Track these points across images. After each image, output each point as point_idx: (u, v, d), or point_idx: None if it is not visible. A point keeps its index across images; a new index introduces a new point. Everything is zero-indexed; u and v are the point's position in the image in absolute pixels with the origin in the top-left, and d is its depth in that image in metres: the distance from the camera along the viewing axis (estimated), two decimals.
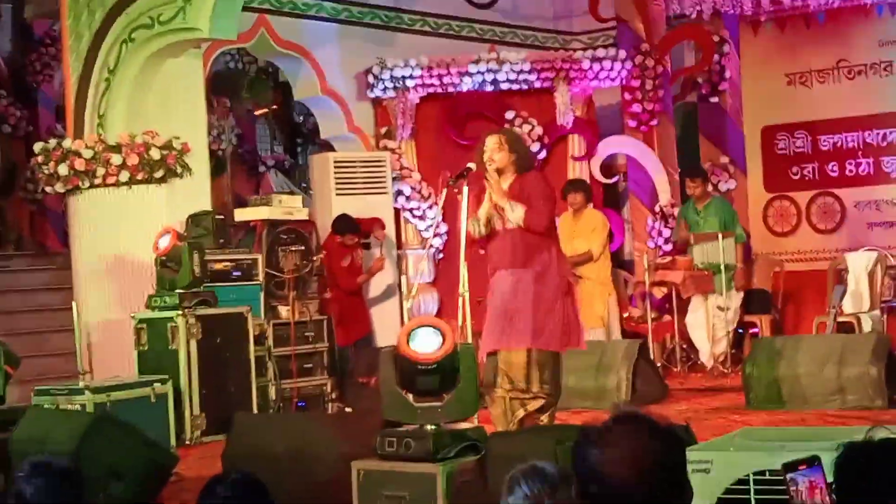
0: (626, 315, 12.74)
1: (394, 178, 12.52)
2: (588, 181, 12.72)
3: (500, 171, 7.60)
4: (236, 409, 8.66)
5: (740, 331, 12.80)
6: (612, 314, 12.04)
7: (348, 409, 10.66)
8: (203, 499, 3.30)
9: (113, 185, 10.23)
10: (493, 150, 7.60)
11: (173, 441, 9.11)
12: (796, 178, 13.91)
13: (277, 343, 10.58)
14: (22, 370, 9.36)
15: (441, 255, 12.72)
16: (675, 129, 14.10)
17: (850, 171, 13.54)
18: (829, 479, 3.08)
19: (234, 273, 10.51)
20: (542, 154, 12.99)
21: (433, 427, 5.89)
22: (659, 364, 11.77)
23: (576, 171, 13.20)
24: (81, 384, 8.99)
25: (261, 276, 10.66)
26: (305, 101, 13.37)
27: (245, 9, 10.76)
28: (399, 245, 12.65)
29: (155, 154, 10.15)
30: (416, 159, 12.79)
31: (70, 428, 7.16)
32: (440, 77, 12.69)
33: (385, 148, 12.70)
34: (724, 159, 14.12)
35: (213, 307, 9.79)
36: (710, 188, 13.16)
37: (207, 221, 10.20)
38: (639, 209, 13.69)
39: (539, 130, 12.98)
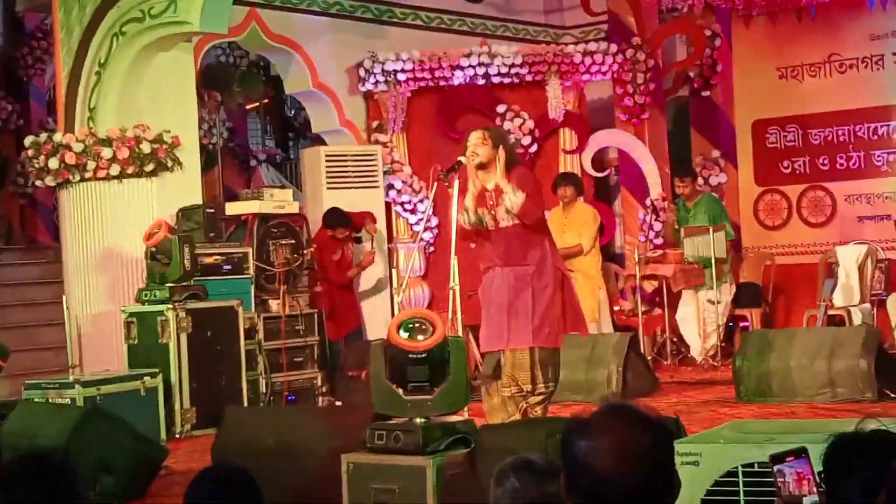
0: (616, 308, 12.76)
1: (385, 172, 12.52)
2: (579, 175, 12.72)
3: (484, 167, 7.58)
4: (226, 403, 8.67)
5: (731, 324, 12.82)
6: (601, 308, 12.05)
7: (339, 403, 10.67)
8: (191, 492, 3.29)
9: (103, 178, 10.22)
10: (477, 144, 7.57)
11: (163, 434, 9.12)
12: (787, 171, 13.92)
13: (268, 337, 10.58)
14: (12, 364, 9.36)
15: (432, 249, 12.71)
16: (666, 123, 14.11)
17: (841, 164, 13.55)
18: (817, 470, 3.08)
19: (225, 267, 10.51)
20: (534, 147, 12.99)
21: (423, 420, 5.89)
22: (649, 357, 11.79)
23: (567, 164, 13.20)
24: (72, 378, 8.99)
25: (251, 270, 10.66)
26: (297, 94, 13.35)
27: (236, 2, 10.75)
28: (390, 239, 12.65)
29: (146, 148, 10.14)
30: (408, 153, 12.79)
31: (60, 422, 7.16)
32: (432, 71, 12.69)
33: (376, 142, 12.69)
34: (716, 153, 14.13)
35: (203, 301, 9.79)
36: (699, 184, 13.20)
37: (198, 215, 10.19)
38: (630, 203, 13.70)
39: (530, 124, 12.98)
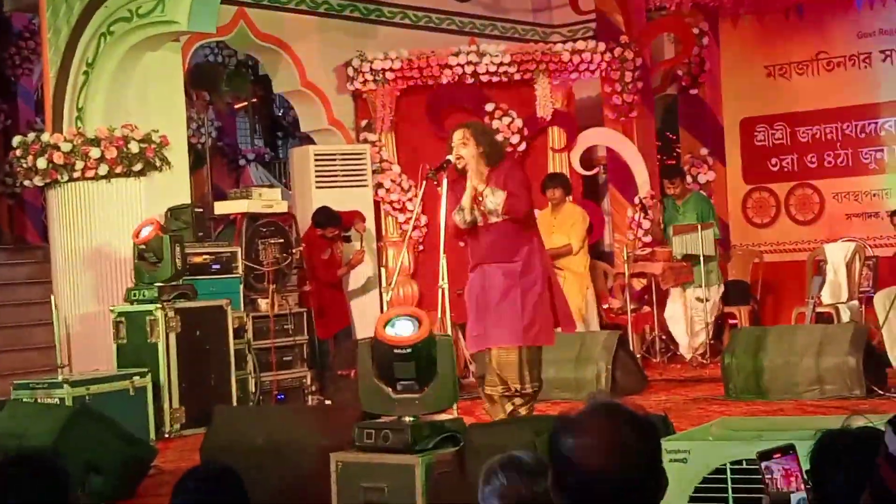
0: (605, 307, 12.77)
1: (374, 171, 12.51)
2: (567, 174, 12.73)
3: (468, 169, 7.57)
4: (216, 402, 8.66)
5: (720, 322, 12.84)
6: (589, 306, 12.06)
7: (328, 402, 10.67)
8: (178, 491, 3.29)
9: (92, 178, 10.20)
10: (459, 145, 7.56)
11: (153, 434, 9.11)
12: (775, 169, 13.95)
13: (257, 336, 10.58)
14: (1, 364, 9.36)
15: (421, 248, 12.71)
16: (654, 121, 14.13)
17: (829, 162, 13.58)
18: (805, 467, 3.09)
19: (214, 266, 10.50)
20: (522, 146, 13.00)
21: (412, 418, 5.89)
22: (638, 355, 11.80)
23: (556, 163, 13.21)
24: (60, 378, 8.98)
25: (240, 269, 10.65)
26: (285, 94, 13.34)
27: (224, 1, 10.72)
28: (379, 237, 12.64)
29: (134, 147, 10.13)
30: (396, 152, 12.78)
31: (49, 422, 7.15)
32: (420, 70, 12.69)
33: (365, 141, 12.69)
34: (704, 151, 14.16)
35: (192, 300, 9.78)
36: (689, 183, 13.23)
37: (186, 214, 10.18)
38: (618, 201, 13.71)
39: (519, 123, 12.99)
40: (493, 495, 3.18)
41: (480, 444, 5.70)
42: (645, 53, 13.64)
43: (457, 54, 12.79)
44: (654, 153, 13.89)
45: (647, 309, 12.70)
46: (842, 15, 13.38)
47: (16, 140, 10.64)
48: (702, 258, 12.03)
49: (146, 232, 9.63)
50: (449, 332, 7.57)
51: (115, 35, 10.20)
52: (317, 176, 12.21)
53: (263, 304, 10.85)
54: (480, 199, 7.47)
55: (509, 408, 7.54)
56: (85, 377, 9.08)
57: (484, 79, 12.94)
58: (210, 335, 9.81)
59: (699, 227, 12.08)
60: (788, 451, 3.09)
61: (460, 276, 7.93)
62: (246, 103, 16.21)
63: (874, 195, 13.26)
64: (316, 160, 12.27)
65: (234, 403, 9.78)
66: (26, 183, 10.66)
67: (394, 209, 12.68)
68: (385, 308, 8.65)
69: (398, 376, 5.91)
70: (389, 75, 12.59)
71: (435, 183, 7.79)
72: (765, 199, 14.03)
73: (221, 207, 11.34)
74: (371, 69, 12.54)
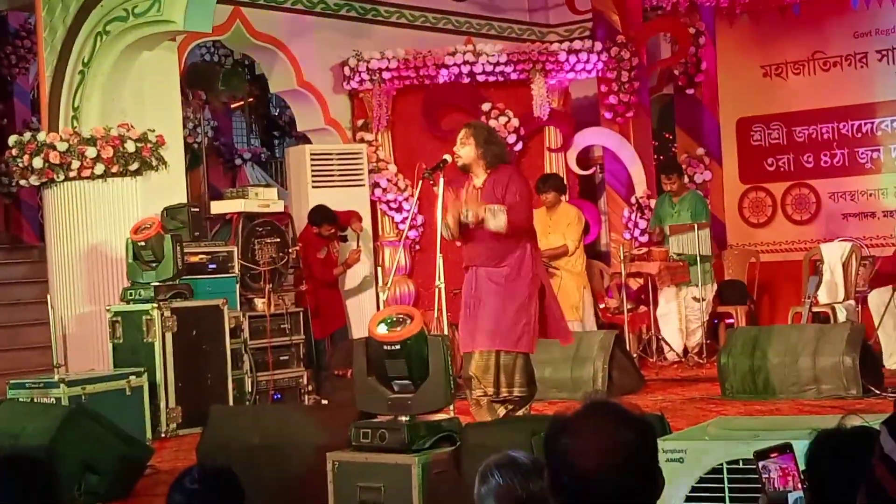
0: (602, 306, 12.76)
1: (370, 171, 12.51)
2: (561, 175, 12.71)
3: (467, 168, 7.56)
4: (212, 402, 8.66)
5: (715, 321, 12.85)
6: (586, 306, 12.05)
7: (324, 402, 10.66)
8: (173, 490, 3.29)
9: (88, 178, 10.19)
10: (459, 145, 7.56)
11: (149, 434, 9.10)
12: (771, 169, 13.95)
13: (253, 335, 10.57)
14: None
15: (418, 247, 12.71)
16: (651, 121, 14.13)
17: (825, 162, 13.58)
18: (802, 466, 3.08)
19: (210, 266, 10.49)
20: (519, 146, 12.99)
21: (408, 418, 5.89)
22: (635, 355, 11.79)
23: (552, 162, 13.21)
24: (56, 377, 8.97)
25: (236, 269, 10.64)
26: (281, 93, 13.34)
27: (220, 1, 10.72)
28: (375, 237, 12.64)
29: (130, 147, 10.12)
30: (393, 151, 12.78)
31: (45, 421, 7.15)
32: (416, 69, 12.68)
33: (361, 140, 12.69)
34: (700, 151, 14.17)
35: (188, 300, 9.78)
36: (686, 181, 13.23)
37: (183, 214, 10.17)
38: (615, 201, 13.72)
39: (515, 122, 12.98)
40: (489, 495, 3.18)
41: (476, 443, 5.70)
42: (641, 53, 13.65)
43: (453, 54, 12.78)
44: (650, 153, 13.90)
45: (643, 309, 12.70)
46: (838, 14, 13.39)
47: (12, 139, 10.63)
48: (698, 258, 12.03)
49: (145, 230, 9.61)
50: (445, 331, 7.57)
51: (111, 34, 10.20)
52: (313, 175, 12.21)
53: (260, 303, 10.84)
54: (482, 223, 7.43)
55: (502, 412, 7.54)
56: (81, 377, 9.07)
57: (480, 78, 12.94)
58: (206, 335, 9.81)
59: (696, 226, 12.08)
60: (785, 450, 3.09)
61: (457, 275, 7.93)
62: (242, 103, 16.19)
63: (870, 195, 13.26)
64: (312, 160, 12.27)
65: (231, 403, 9.77)
66: (22, 182, 10.65)
67: (390, 209, 12.68)
68: (381, 308, 8.63)
69: (391, 374, 5.90)
70: (386, 75, 12.59)
71: (431, 182, 7.78)
72: (761, 199, 14.04)
73: (218, 207, 11.34)
74: (367, 69, 12.54)
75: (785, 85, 13.83)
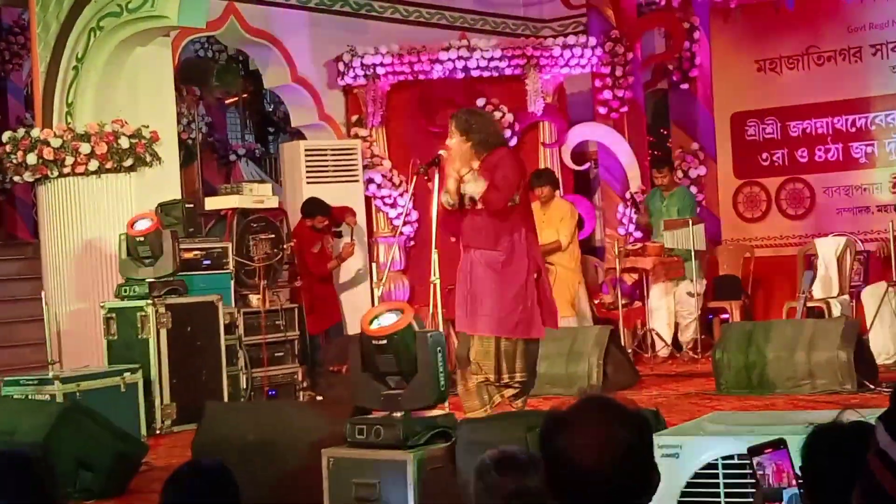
0: (596, 302, 12.76)
1: (365, 166, 12.50)
2: (555, 170, 12.71)
3: (452, 156, 7.54)
4: (207, 398, 8.62)
5: (710, 316, 12.85)
6: (581, 301, 12.05)
7: (319, 398, 10.65)
8: (169, 487, 3.28)
9: (82, 174, 10.18)
10: (448, 138, 7.56)
11: (144, 430, 9.09)
12: (766, 164, 13.96)
13: (248, 332, 10.56)
14: None
15: (412, 243, 12.71)
16: (645, 116, 14.13)
17: (820, 156, 13.59)
18: (796, 461, 3.08)
19: (205, 262, 10.48)
20: (513, 141, 12.98)
21: (403, 414, 5.88)
22: (630, 350, 11.79)
23: (547, 157, 13.21)
24: (51, 374, 8.95)
25: (231, 265, 10.63)
26: (276, 89, 13.33)
27: None
28: (370, 233, 12.63)
29: (124, 143, 10.11)
30: (387, 147, 12.77)
31: (39, 418, 7.13)
32: (411, 64, 12.67)
33: (356, 136, 12.68)
34: (695, 146, 14.16)
35: (183, 296, 9.76)
36: (679, 177, 13.23)
37: (177, 210, 10.16)
38: (610, 196, 13.72)
39: (510, 117, 12.98)
40: (484, 491, 3.18)
41: (472, 439, 5.70)
42: (636, 48, 13.66)
43: (447, 49, 12.78)
44: (645, 148, 13.90)
45: (638, 304, 12.70)
46: (832, 9, 13.39)
47: (5, 136, 10.61)
48: (693, 253, 12.03)
49: (144, 225, 9.58)
50: (440, 327, 7.57)
51: (104, 30, 10.18)
52: (307, 171, 12.19)
53: (254, 299, 10.83)
54: (463, 182, 7.44)
55: (497, 399, 7.53)
56: (75, 373, 9.04)
57: (475, 73, 12.93)
58: (201, 331, 9.79)
59: (690, 221, 12.09)
60: (779, 446, 3.09)
61: (452, 271, 7.92)
62: (236, 98, 16.19)
63: (865, 189, 13.27)
64: (307, 155, 12.26)
65: (226, 399, 9.76)
66: (16, 179, 10.64)
67: (385, 204, 12.67)
68: (376, 304, 8.62)
69: (382, 370, 5.89)
70: (380, 70, 12.58)
71: (426, 178, 7.78)
72: (756, 194, 14.04)
73: (212, 203, 11.32)
74: (362, 64, 12.53)
75: (779, 80, 13.83)
